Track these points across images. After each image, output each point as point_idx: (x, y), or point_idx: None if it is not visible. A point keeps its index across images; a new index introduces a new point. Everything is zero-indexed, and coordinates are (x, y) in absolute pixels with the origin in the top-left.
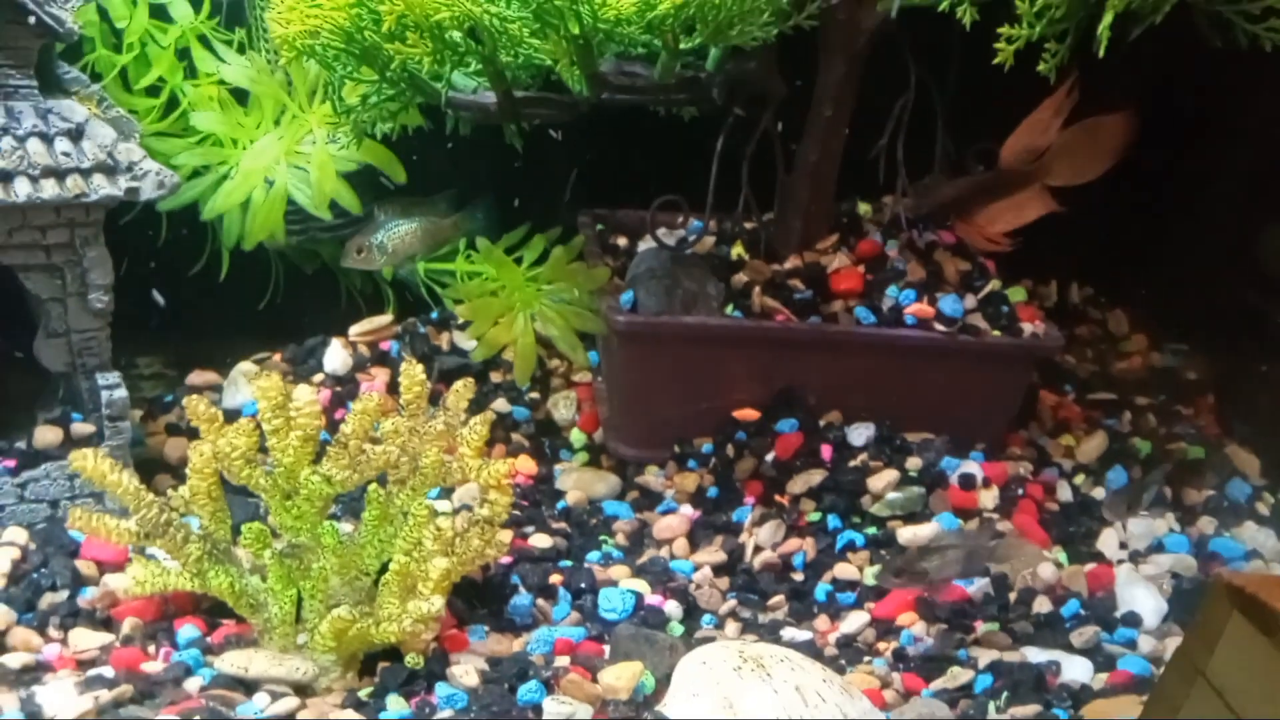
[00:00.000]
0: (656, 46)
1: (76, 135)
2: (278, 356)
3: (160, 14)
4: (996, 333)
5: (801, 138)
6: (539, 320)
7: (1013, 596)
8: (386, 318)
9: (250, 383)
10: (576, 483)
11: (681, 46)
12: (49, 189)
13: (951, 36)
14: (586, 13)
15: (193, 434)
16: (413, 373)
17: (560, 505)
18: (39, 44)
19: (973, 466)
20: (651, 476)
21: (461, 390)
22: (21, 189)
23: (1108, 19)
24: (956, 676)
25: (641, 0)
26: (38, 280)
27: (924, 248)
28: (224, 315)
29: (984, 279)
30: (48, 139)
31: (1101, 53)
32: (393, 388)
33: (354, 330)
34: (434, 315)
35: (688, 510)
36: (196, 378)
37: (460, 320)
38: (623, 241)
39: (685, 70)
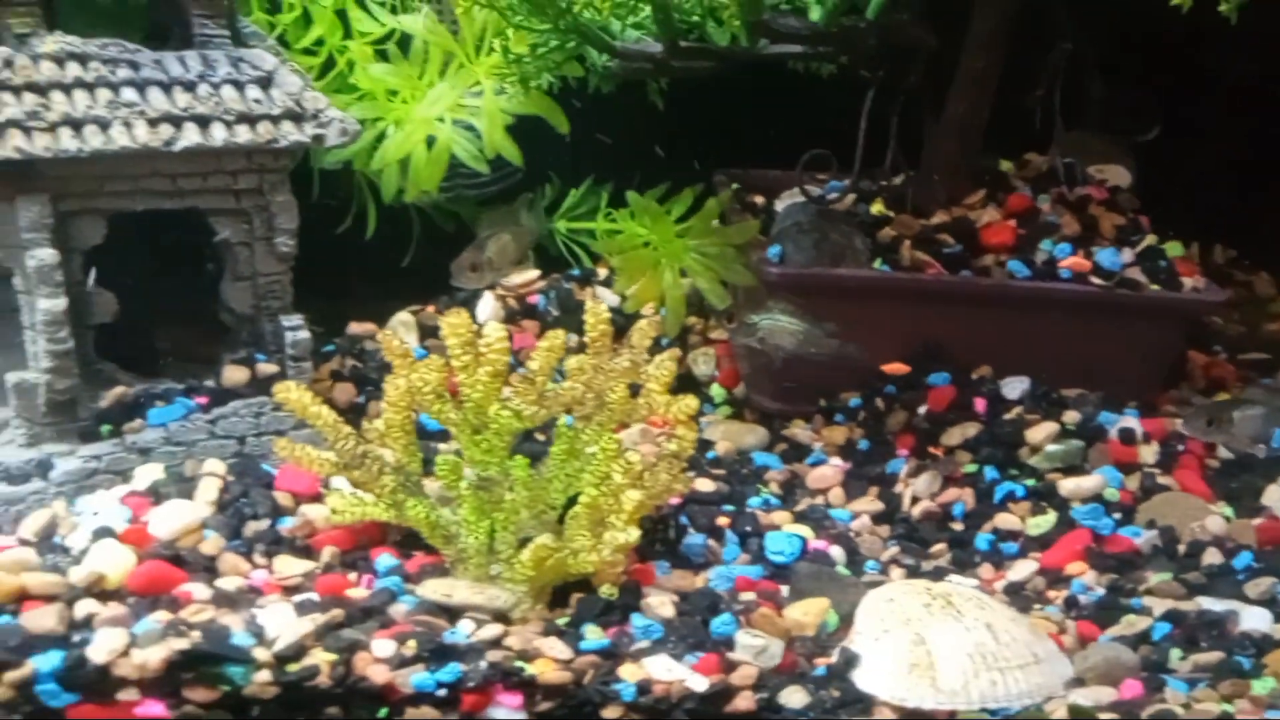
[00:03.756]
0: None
1: (266, 83)
2: (430, 309)
3: None
4: (1155, 287)
5: (949, 91)
6: (687, 273)
7: (1181, 549)
8: (534, 272)
9: (440, 319)
10: (724, 434)
11: None
12: (243, 134)
13: None
14: None
15: (357, 380)
16: (598, 310)
17: (710, 455)
18: None
19: (1131, 421)
20: (799, 429)
21: (645, 329)
22: (218, 134)
23: None
24: (1133, 624)
25: None
26: (227, 224)
27: (1077, 202)
28: (365, 272)
29: (1140, 234)
30: (240, 86)
31: None
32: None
33: (502, 284)
34: (575, 272)
35: (838, 462)
36: (355, 328)
37: (602, 276)
38: (759, 200)
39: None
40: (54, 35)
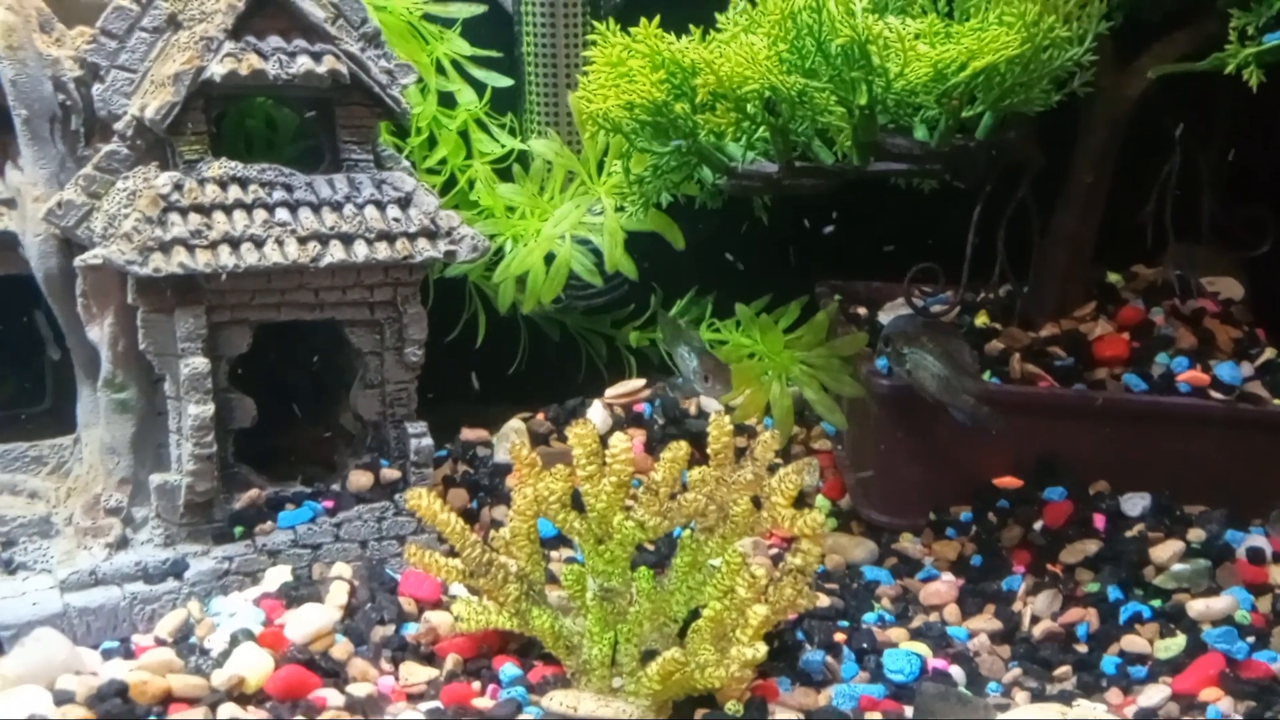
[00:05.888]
0: (911, 119)
1: (405, 203)
2: (541, 416)
3: (444, 100)
4: (1278, 401)
5: (1058, 205)
6: (795, 384)
7: None
8: (639, 382)
9: (568, 430)
10: (832, 547)
11: (964, 114)
12: (382, 251)
13: (1217, 97)
14: (879, 84)
15: (469, 486)
16: (722, 423)
17: (819, 569)
18: (376, 123)
19: (1260, 540)
20: (908, 543)
21: (768, 442)
22: (360, 250)
23: None
24: None
25: (935, 70)
26: (361, 335)
27: (1191, 314)
28: (472, 379)
29: (1258, 347)
30: (381, 206)
31: None
32: (649, 448)
33: (609, 393)
34: (679, 381)
35: (950, 577)
36: (468, 434)
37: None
38: (862, 311)
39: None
40: (219, 161)
